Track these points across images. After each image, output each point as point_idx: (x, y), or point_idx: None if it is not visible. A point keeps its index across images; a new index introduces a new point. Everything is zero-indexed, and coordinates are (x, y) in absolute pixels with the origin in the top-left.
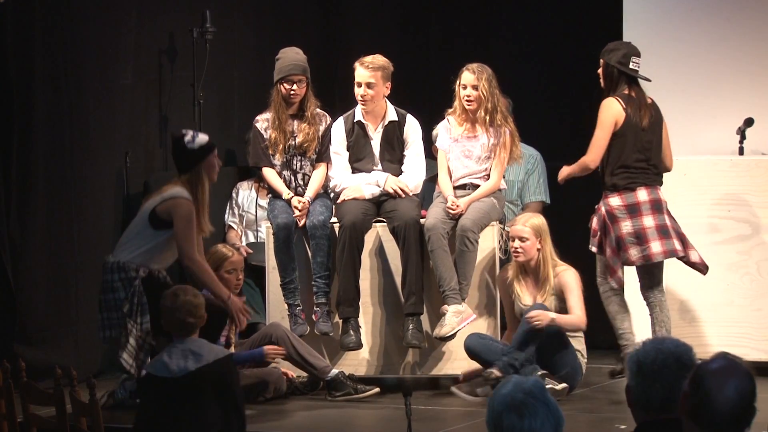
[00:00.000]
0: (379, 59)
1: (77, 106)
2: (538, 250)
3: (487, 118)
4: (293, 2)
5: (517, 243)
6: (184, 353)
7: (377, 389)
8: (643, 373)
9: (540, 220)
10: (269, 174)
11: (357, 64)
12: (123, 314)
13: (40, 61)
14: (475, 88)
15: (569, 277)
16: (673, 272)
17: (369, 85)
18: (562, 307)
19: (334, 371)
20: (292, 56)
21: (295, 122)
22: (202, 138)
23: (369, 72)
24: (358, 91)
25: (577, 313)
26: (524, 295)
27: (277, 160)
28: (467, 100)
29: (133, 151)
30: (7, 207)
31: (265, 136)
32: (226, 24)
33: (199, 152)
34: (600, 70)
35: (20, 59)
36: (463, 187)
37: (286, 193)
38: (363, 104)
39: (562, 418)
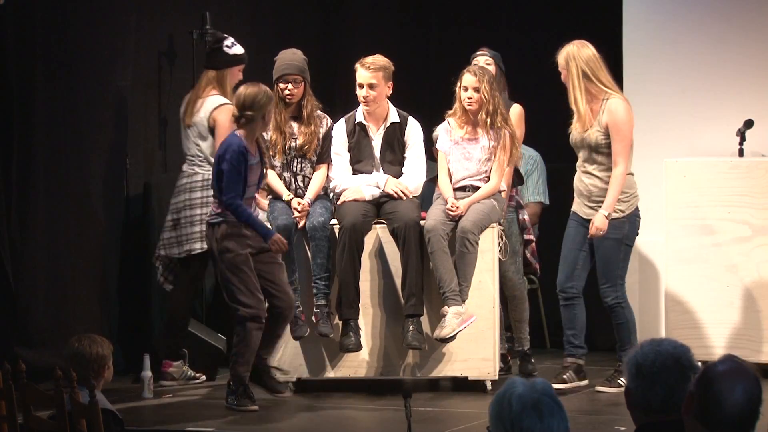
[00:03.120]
0: (379, 59)
1: (77, 107)
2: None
3: (488, 120)
4: (293, 3)
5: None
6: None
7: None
8: (643, 375)
9: (567, 50)
10: (269, 175)
11: (358, 66)
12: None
13: (39, 63)
14: (476, 90)
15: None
16: (674, 274)
17: (371, 86)
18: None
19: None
20: (288, 56)
21: (295, 124)
22: (239, 48)
23: (370, 73)
24: (361, 93)
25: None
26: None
27: (277, 161)
28: (468, 102)
29: (132, 152)
30: (7, 209)
31: (265, 137)
32: (226, 26)
33: (231, 58)
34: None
35: (20, 61)
36: (462, 189)
37: (285, 195)
38: (366, 105)
39: (568, 420)
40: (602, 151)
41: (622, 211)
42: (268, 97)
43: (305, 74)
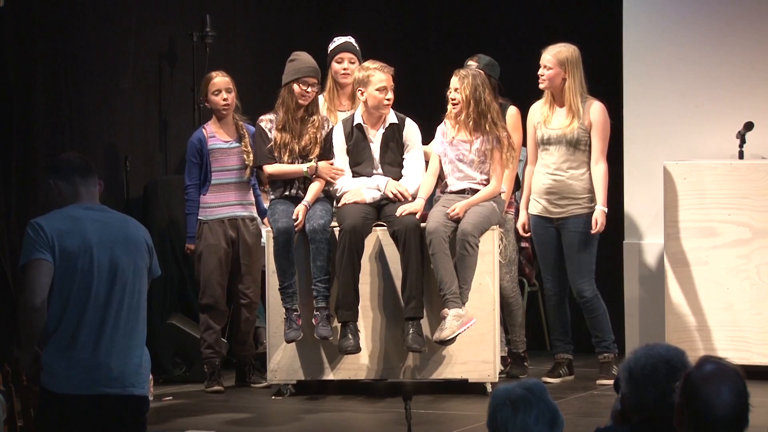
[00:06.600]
0: (383, 63)
1: (77, 110)
2: (564, 80)
3: (471, 123)
4: (293, 6)
5: (541, 70)
6: None
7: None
8: (634, 378)
9: (568, 52)
10: (275, 167)
11: (374, 71)
12: None
13: (40, 65)
14: (457, 91)
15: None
16: (674, 276)
17: (393, 89)
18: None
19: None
20: (308, 58)
21: (299, 125)
22: None
23: (390, 75)
24: (386, 96)
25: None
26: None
27: (282, 161)
28: (453, 104)
29: (132, 155)
30: (7, 210)
31: (269, 136)
32: (226, 28)
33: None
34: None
35: (20, 63)
36: (461, 192)
37: (305, 166)
38: (386, 109)
39: (560, 419)
40: (580, 148)
41: (590, 207)
42: (210, 82)
43: (319, 77)
